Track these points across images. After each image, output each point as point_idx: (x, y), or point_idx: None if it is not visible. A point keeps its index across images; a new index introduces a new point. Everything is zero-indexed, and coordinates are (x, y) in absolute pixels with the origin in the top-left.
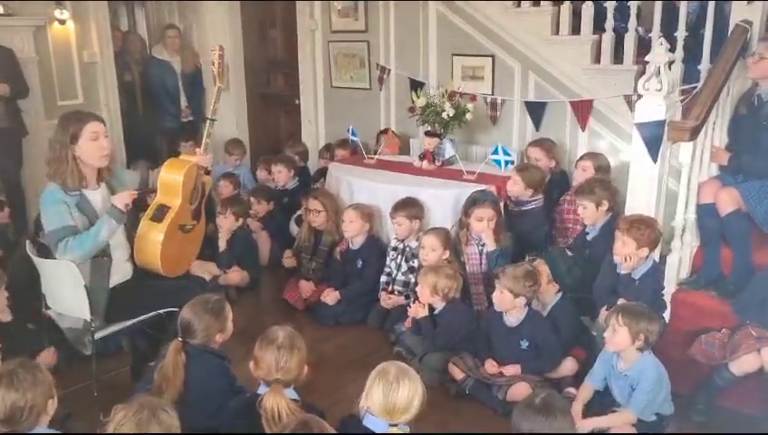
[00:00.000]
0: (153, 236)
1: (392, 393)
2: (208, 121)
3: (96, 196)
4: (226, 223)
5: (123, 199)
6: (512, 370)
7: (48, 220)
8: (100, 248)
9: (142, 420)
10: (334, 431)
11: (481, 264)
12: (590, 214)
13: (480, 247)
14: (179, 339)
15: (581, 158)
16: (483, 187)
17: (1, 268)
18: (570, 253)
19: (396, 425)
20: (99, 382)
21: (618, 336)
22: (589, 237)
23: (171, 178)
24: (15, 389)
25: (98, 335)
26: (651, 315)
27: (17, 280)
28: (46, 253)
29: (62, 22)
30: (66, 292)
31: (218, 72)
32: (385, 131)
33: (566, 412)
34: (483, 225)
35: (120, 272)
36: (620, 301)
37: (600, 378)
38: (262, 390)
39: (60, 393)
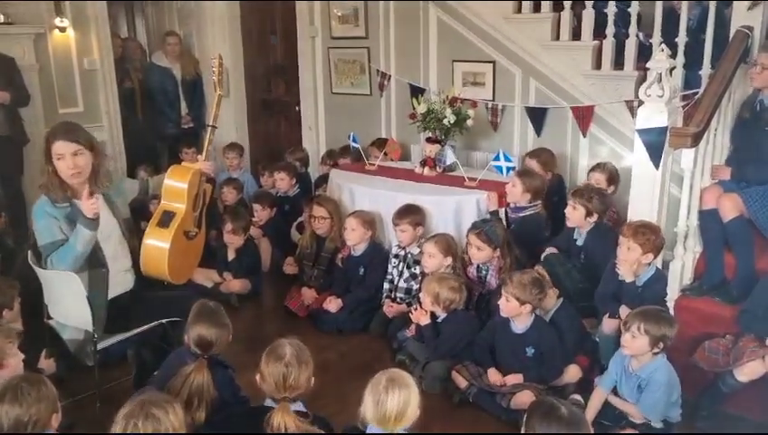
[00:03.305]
0: (160, 241)
1: (382, 403)
2: (209, 129)
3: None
4: (237, 238)
5: (89, 208)
6: (513, 379)
7: (38, 234)
8: (83, 258)
9: (133, 413)
10: None
11: (478, 284)
12: (576, 217)
13: (479, 274)
14: (205, 357)
15: (594, 169)
16: (483, 193)
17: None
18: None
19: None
20: (101, 392)
21: (637, 342)
22: (578, 243)
23: (176, 185)
24: (20, 403)
25: (100, 346)
26: (671, 320)
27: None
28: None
29: (63, 29)
30: (68, 302)
31: (218, 80)
32: (380, 141)
33: (588, 428)
34: (473, 251)
35: (122, 282)
36: (623, 308)
37: (612, 380)
38: (269, 402)
39: (63, 403)
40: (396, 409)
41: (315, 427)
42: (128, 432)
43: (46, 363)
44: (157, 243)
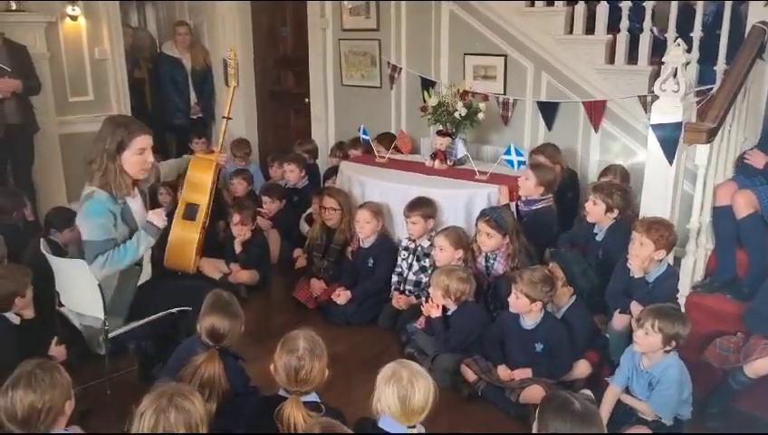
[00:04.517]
0: (189, 234)
1: (409, 398)
2: (225, 120)
3: (135, 204)
4: (244, 229)
5: (161, 217)
6: (522, 374)
7: (90, 230)
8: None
9: (161, 406)
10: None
11: (486, 276)
12: (597, 212)
13: (486, 264)
14: (216, 347)
15: (604, 173)
16: (494, 187)
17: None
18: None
19: (413, 426)
20: (111, 381)
21: (649, 340)
22: (598, 238)
23: (200, 177)
24: (34, 390)
25: (112, 334)
26: (684, 319)
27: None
28: (60, 251)
29: (74, 18)
30: (80, 291)
31: (234, 72)
32: (384, 136)
33: (601, 422)
34: (482, 238)
35: (143, 274)
36: (634, 304)
37: (625, 377)
38: (283, 392)
39: (74, 391)
40: (422, 402)
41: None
42: (159, 432)
43: (57, 350)
44: (185, 235)
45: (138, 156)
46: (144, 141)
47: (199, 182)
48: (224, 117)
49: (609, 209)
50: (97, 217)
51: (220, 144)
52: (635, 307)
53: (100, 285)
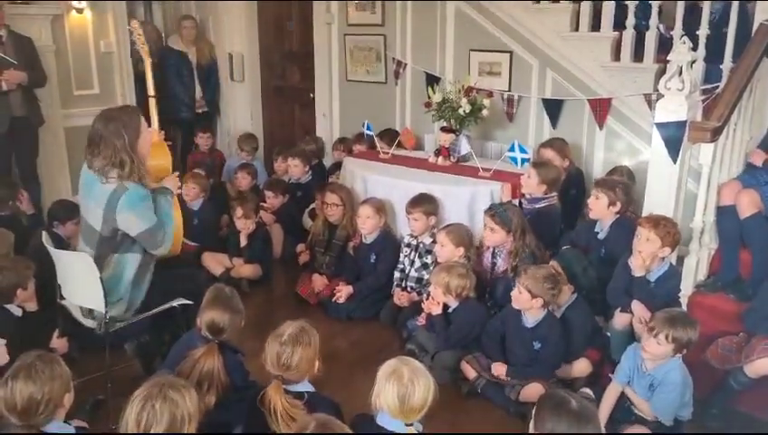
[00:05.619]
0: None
1: (409, 397)
2: (151, 99)
3: None
4: (248, 222)
5: (176, 184)
6: (500, 369)
7: (141, 220)
8: None
9: (151, 394)
10: (352, 432)
11: (489, 272)
12: (599, 207)
13: (493, 260)
14: (216, 341)
15: (611, 174)
16: (498, 184)
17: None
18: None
19: (411, 424)
20: (111, 374)
21: (662, 349)
22: (600, 236)
23: (160, 163)
24: (33, 381)
25: (116, 326)
26: (695, 324)
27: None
28: (63, 244)
29: (80, 11)
30: (81, 284)
31: (144, 47)
32: (388, 132)
33: (599, 422)
34: (487, 232)
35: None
36: (635, 303)
37: (626, 375)
38: None
39: (74, 383)
40: (421, 400)
41: (304, 410)
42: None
43: (58, 343)
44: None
45: (146, 135)
46: (143, 120)
47: (161, 168)
48: (150, 96)
49: (611, 203)
50: (143, 202)
51: (155, 124)
52: (636, 306)
53: (119, 283)
